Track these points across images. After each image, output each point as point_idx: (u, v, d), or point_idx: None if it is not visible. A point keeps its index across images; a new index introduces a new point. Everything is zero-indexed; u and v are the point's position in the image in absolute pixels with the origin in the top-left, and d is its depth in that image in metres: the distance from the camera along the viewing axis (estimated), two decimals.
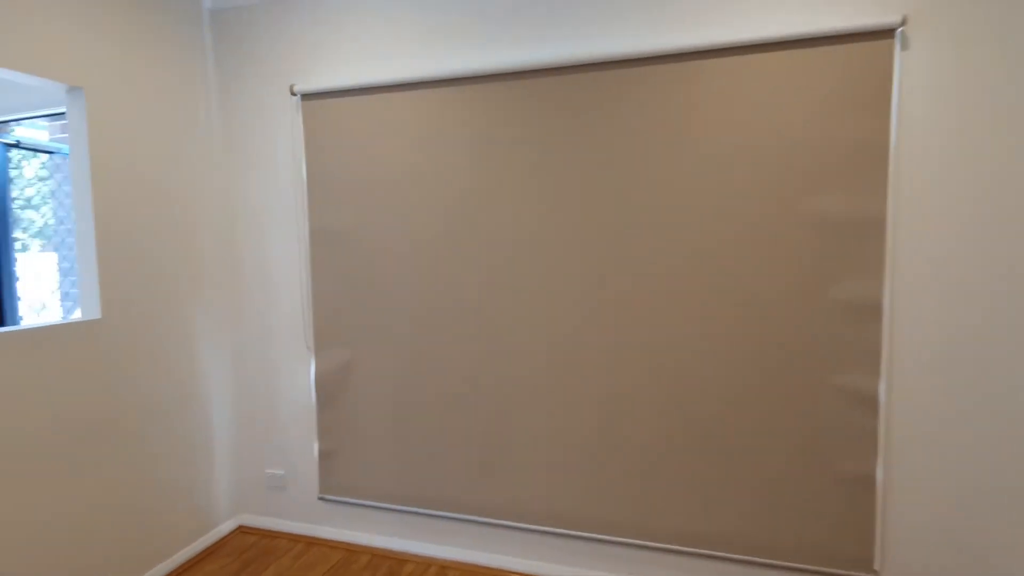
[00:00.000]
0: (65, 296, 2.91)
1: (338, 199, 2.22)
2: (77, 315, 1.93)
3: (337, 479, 2.37)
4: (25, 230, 2.92)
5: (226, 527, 2.51)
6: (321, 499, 2.42)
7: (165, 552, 2.21)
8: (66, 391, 1.84)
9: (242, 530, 2.55)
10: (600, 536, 2.03)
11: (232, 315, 2.50)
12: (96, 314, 1.95)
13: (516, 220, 2.02)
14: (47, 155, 2.83)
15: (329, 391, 2.33)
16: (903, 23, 1.59)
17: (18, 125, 2.47)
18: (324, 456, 2.38)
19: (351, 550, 2.37)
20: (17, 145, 2.54)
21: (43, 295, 2.88)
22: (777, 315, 1.78)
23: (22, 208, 2.98)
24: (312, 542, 2.43)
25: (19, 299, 2.61)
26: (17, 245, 2.88)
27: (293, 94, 2.24)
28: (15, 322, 2.59)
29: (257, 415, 2.51)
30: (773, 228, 1.76)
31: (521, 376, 2.06)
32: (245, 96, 2.36)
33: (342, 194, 2.22)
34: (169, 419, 2.22)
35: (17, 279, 2.60)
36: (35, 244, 2.94)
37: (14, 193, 2.94)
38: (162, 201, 2.18)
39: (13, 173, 2.89)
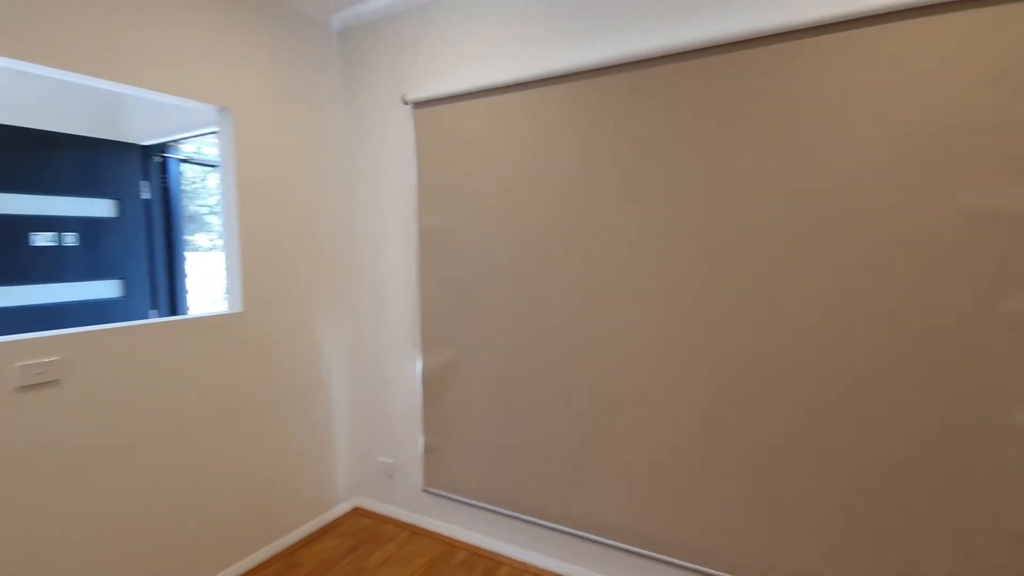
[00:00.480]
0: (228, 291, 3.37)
1: (444, 203, 2.29)
2: (224, 308, 2.21)
3: (440, 474, 2.45)
4: (208, 233, 3.42)
5: (343, 507, 2.72)
6: (425, 491, 2.52)
7: (290, 524, 2.44)
8: (215, 372, 2.10)
9: (358, 511, 2.74)
10: (704, 570, 1.87)
11: (350, 312, 2.70)
12: (239, 308, 2.21)
13: (624, 222, 1.92)
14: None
15: (434, 389, 2.42)
16: None
17: (187, 142, 2.91)
18: (428, 451, 2.47)
19: (451, 544, 2.43)
20: (187, 160, 2.98)
21: (212, 290, 3.35)
22: (929, 332, 1.49)
23: (208, 214, 3.50)
24: (417, 531, 2.54)
25: (187, 292, 3.06)
26: (200, 245, 3.38)
27: (405, 103, 2.36)
28: (183, 312, 3.05)
29: (371, 406, 2.69)
30: (926, 227, 1.48)
31: (621, 386, 1.96)
32: (365, 107, 2.53)
33: (448, 198, 2.28)
34: (297, 403, 2.45)
35: (186, 276, 3.05)
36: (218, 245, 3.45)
37: (199, 201, 3.46)
38: (294, 208, 2.42)
39: (197, 185, 3.40)
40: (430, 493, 2.51)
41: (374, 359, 2.65)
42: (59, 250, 2.49)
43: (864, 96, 1.54)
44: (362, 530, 2.58)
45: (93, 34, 1.74)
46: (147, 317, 2.86)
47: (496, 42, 2.14)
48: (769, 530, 1.75)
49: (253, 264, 2.24)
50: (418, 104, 2.32)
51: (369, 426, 2.70)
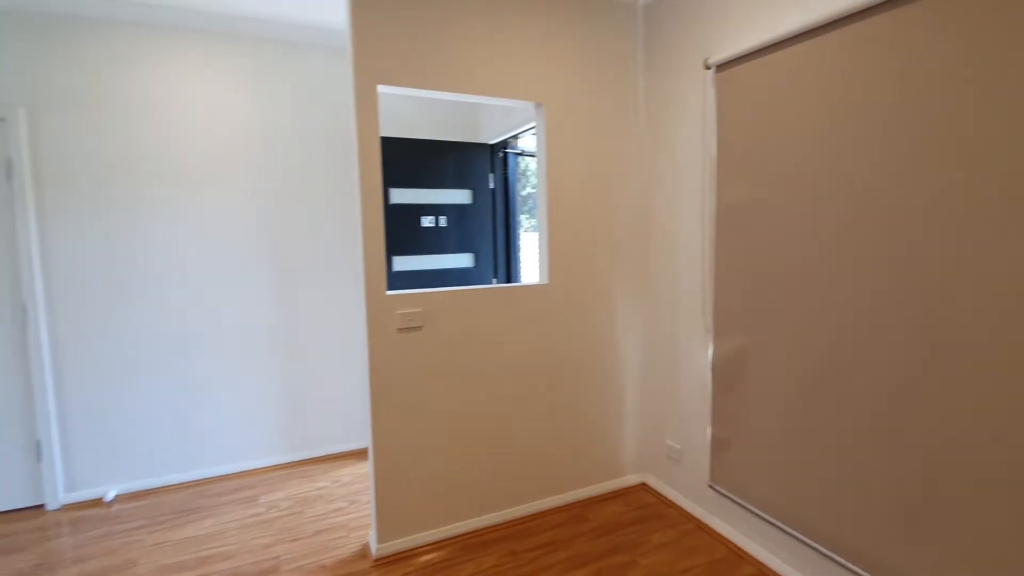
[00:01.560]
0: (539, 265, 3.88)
1: (745, 172, 2.03)
2: (534, 279, 2.54)
3: (728, 472, 2.24)
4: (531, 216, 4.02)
5: (631, 479, 2.80)
6: (711, 487, 2.35)
7: (583, 480, 2.66)
8: (532, 329, 2.46)
9: (644, 487, 2.78)
10: None
11: (643, 288, 2.71)
12: (545, 279, 2.50)
13: (957, 193, 1.32)
14: None
15: (725, 377, 2.21)
16: None
17: (523, 137, 3.44)
18: (716, 443, 2.29)
19: (735, 552, 2.21)
20: (521, 153, 3.51)
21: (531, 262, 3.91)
22: None
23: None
24: (700, 526, 2.41)
25: (520, 264, 3.64)
26: (530, 225, 3.99)
27: (707, 67, 2.16)
28: (517, 280, 3.63)
29: (661, 385, 2.66)
30: None
31: (967, 401, 1.37)
32: (664, 78, 2.45)
33: (750, 167, 2.01)
34: (595, 367, 2.63)
35: (520, 250, 3.63)
36: None
37: (530, 189, 4.07)
38: (593, 188, 2.56)
39: (529, 174, 4.00)
40: (716, 490, 2.33)
41: (666, 338, 2.59)
42: (437, 230, 3.32)
43: None
44: (646, 506, 2.60)
45: (457, 60, 2.22)
46: (490, 283, 3.53)
47: None
48: None
49: (556, 241, 2.49)
50: (720, 66, 2.10)
51: (658, 404, 2.68)
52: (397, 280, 3.23)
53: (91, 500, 2.86)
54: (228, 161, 3.04)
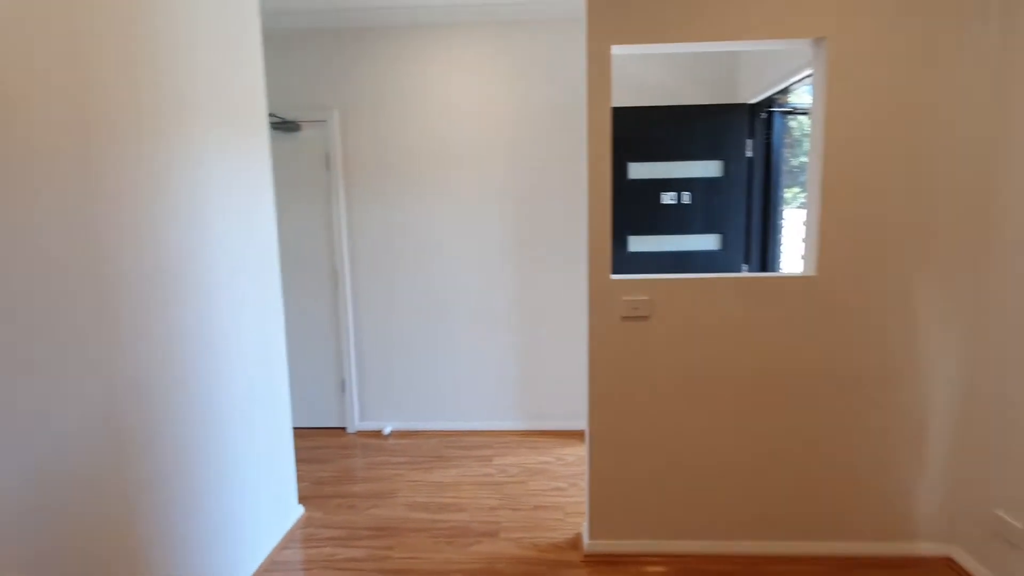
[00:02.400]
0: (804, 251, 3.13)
1: None
2: (796, 269, 2.04)
3: None
4: (795, 189, 3.30)
5: (927, 549, 2.07)
6: None
7: (850, 532, 2.09)
8: (782, 335, 2.00)
9: (950, 565, 2.03)
10: None
11: (970, 295, 1.91)
12: (812, 271, 1.98)
13: None
14: None
15: None
16: None
17: (794, 92, 2.77)
18: None
19: None
20: (791, 112, 2.86)
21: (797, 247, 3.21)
22: None
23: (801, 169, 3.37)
24: None
25: (780, 249, 3.03)
26: (795, 200, 3.30)
27: None
28: (775, 269, 3.04)
29: (992, 434, 1.87)
30: None
31: None
32: None
33: None
34: (875, 396, 2.01)
35: (780, 232, 3.01)
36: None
37: (800, 155, 3.35)
38: (892, 150, 1.88)
39: (799, 137, 3.28)
40: None
41: (1008, 367, 1.79)
42: (679, 207, 2.98)
43: None
44: None
45: (705, 2, 1.87)
46: (738, 271, 3.04)
47: None
48: None
49: (832, 223, 1.93)
50: None
51: (985, 460, 1.90)
52: (632, 261, 3.03)
53: (375, 431, 3.52)
54: (479, 144, 3.26)
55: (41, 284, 1.25)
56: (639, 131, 2.94)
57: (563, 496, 2.62)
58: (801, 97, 2.89)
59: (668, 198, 2.98)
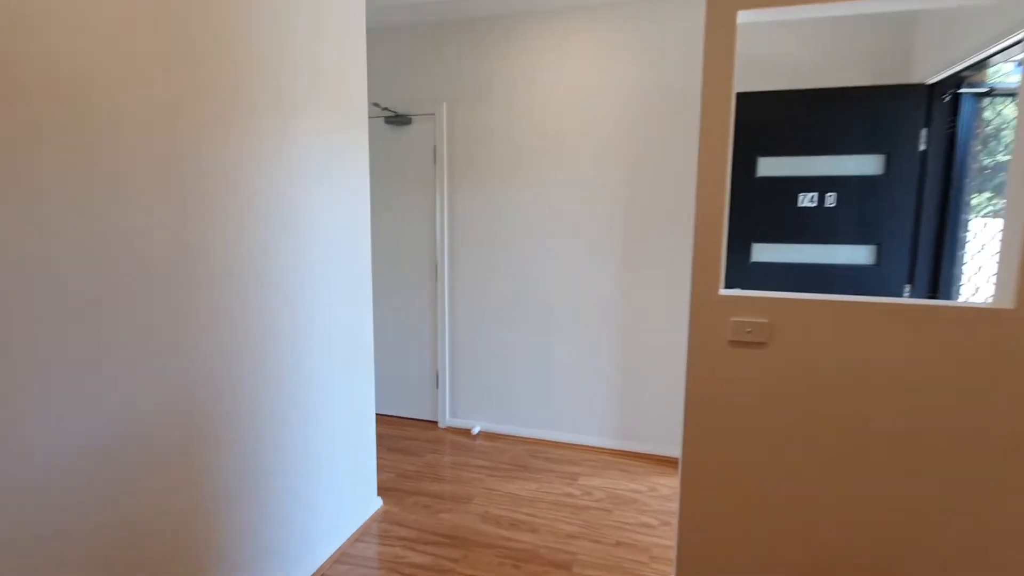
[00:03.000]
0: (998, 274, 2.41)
1: None
2: (985, 299, 1.53)
3: None
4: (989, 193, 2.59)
5: None
6: None
7: None
8: (963, 387, 1.52)
9: None
10: None
11: None
12: (1009, 302, 1.47)
13: None
14: None
15: None
16: None
17: (986, 69, 2.12)
18: None
19: None
20: (988, 93, 2.21)
21: (986, 267, 2.51)
22: None
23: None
24: None
25: (961, 269, 2.39)
26: (986, 208, 2.61)
27: None
28: (951, 296, 2.41)
29: None
30: None
31: None
32: None
33: None
34: None
35: (962, 248, 2.37)
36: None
37: (997, 151, 2.64)
38: None
39: (999, 127, 2.58)
40: None
41: None
42: (821, 211, 2.48)
43: None
44: None
45: None
46: (898, 294, 2.46)
47: None
48: None
49: None
50: None
51: None
52: (755, 273, 2.60)
53: (464, 428, 3.46)
54: (585, 137, 3.03)
55: (126, 277, 1.29)
56: (773, 120, 2.49)
57: (651, 535, 2.31)
58: (1003, 75, 2.23)
59: (807, 199, 2.50)
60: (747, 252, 2.59)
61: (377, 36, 3.37)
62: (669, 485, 2.74)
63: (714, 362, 1.71)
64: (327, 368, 2.08)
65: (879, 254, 2.45)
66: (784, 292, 1.67)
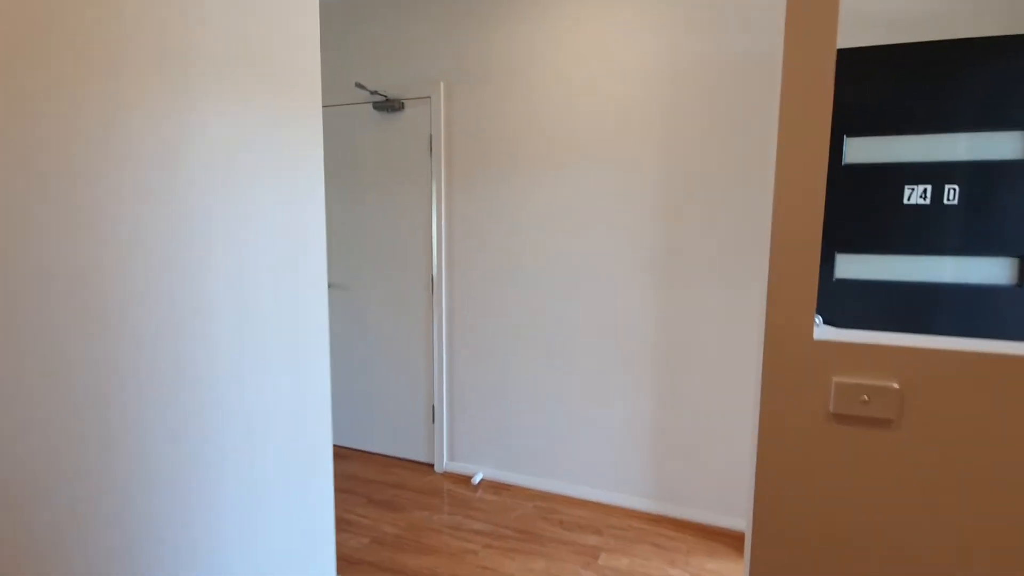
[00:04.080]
0: None
1: None
2: None
3: None
4: None
5: None
6: None
7: None
8: None
9: None
10: None
11: None
12: None
13: None
14: None
15: None
16: None
17: None
18: None
19: None
20: None
21: None
22: None
23: None
24: None
25: None
26: None
27: None
28: None
29: None
30: None
31: None
32: None
33: None
34: None
35: None
36: None
37: None
38: None
39: None
40: None
41: None
42: (932, 209, 1.81)
43: None
44: None
45: None
46: None
47: None
48: None
49: None
50: None
51: None
52: (839, 295, 1.93)
53: (464, 475, 2.88)
54: (612, 122, 2.42)
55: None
56: (868, 87, 1.83)
57: None
58: None
59: (917, 194, 1.82)
60: (829, 265, 1.93)
61: (362, 6, 2.87)
62: (720, 571, 2.09)
63: (804, 449, 1.08)
64: (248, 406, 1.54)
65: (1021, 270, 1.76)
66: (920, 337, 1.03)
